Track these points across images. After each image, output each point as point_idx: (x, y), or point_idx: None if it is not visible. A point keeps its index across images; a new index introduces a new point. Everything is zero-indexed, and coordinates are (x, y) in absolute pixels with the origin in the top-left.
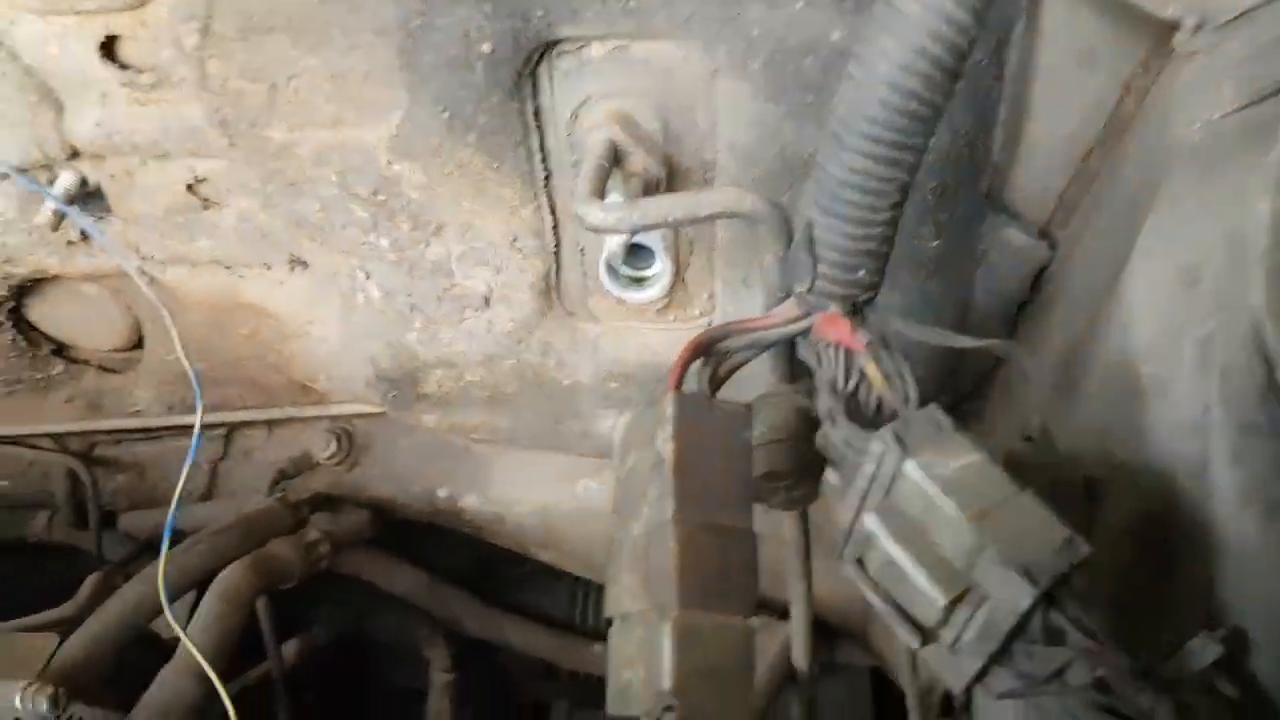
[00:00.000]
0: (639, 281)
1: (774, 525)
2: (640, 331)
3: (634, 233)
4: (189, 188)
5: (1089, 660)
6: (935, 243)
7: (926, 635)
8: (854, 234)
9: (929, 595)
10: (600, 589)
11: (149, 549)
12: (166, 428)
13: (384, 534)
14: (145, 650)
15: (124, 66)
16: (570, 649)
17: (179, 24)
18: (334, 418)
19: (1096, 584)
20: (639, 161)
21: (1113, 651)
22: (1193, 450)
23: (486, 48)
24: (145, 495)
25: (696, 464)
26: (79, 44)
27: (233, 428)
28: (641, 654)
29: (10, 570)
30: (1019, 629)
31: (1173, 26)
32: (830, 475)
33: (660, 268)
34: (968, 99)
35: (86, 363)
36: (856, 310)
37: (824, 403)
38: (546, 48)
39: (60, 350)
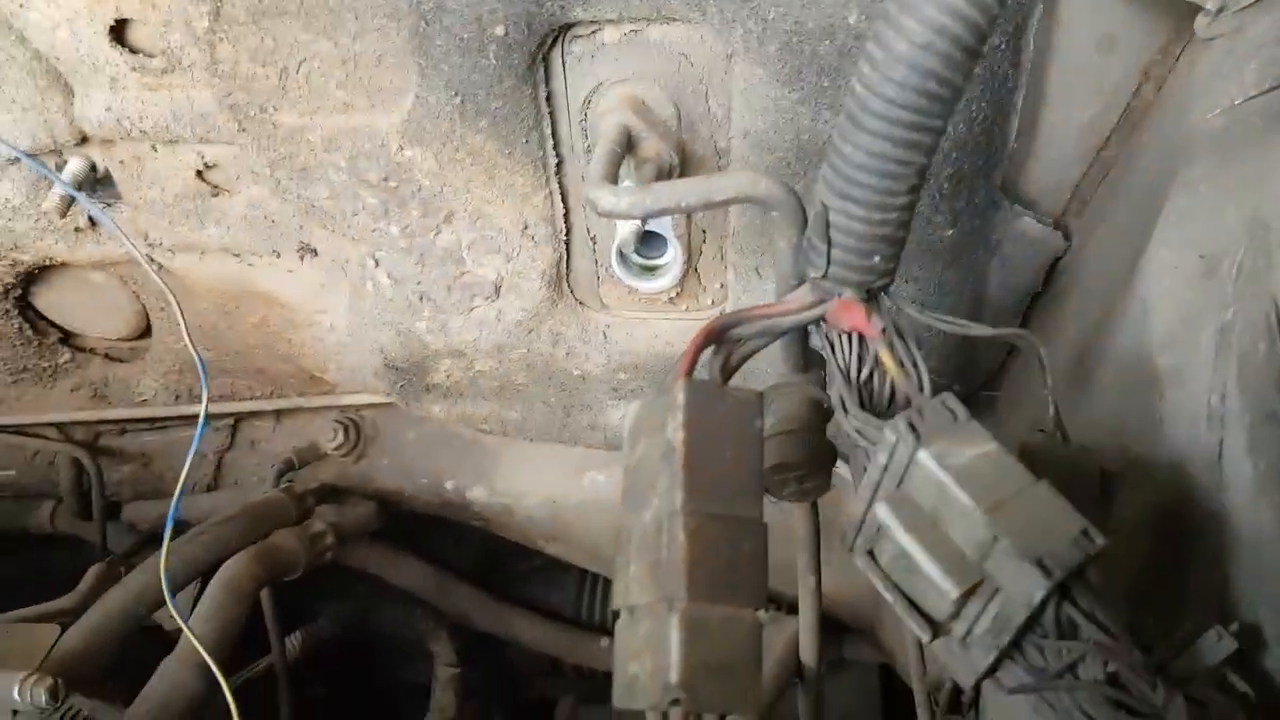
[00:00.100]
0: (651, 270)
1: (783, 518)
2: (651, 321)
3: (646, 218)
4: (198, 174)
5: (1102, 654)
6: (950, 231)
7: (937, 628)
8: (870, 218)
9: (941, 587)
10: (607, 584)
11: (153, 540)
12: (173, 417)
13: (390, 527)
14: (147, 642)
15: (134, 50)
16: (577, 643)
17: (189, 7)
18: (342, 408)
19: (1110, 578)
20: (652, 147)
21: (1126, 646)
22: (1209, 440)
23: (500, 31)
24: (150, 486)
25: (707, 453)
26: (89, 28)
27: (239, 418)
28: (648, 646)
29: (13, 560)
30: (1031, 622)
31: (1194, 11)
32: (842, 467)
33: (672, 256)
34: (985, 85)
35: (93, 351)
36: (871, 297)
37: (837, 390)
38: (560, 31)
39: (67, 339)
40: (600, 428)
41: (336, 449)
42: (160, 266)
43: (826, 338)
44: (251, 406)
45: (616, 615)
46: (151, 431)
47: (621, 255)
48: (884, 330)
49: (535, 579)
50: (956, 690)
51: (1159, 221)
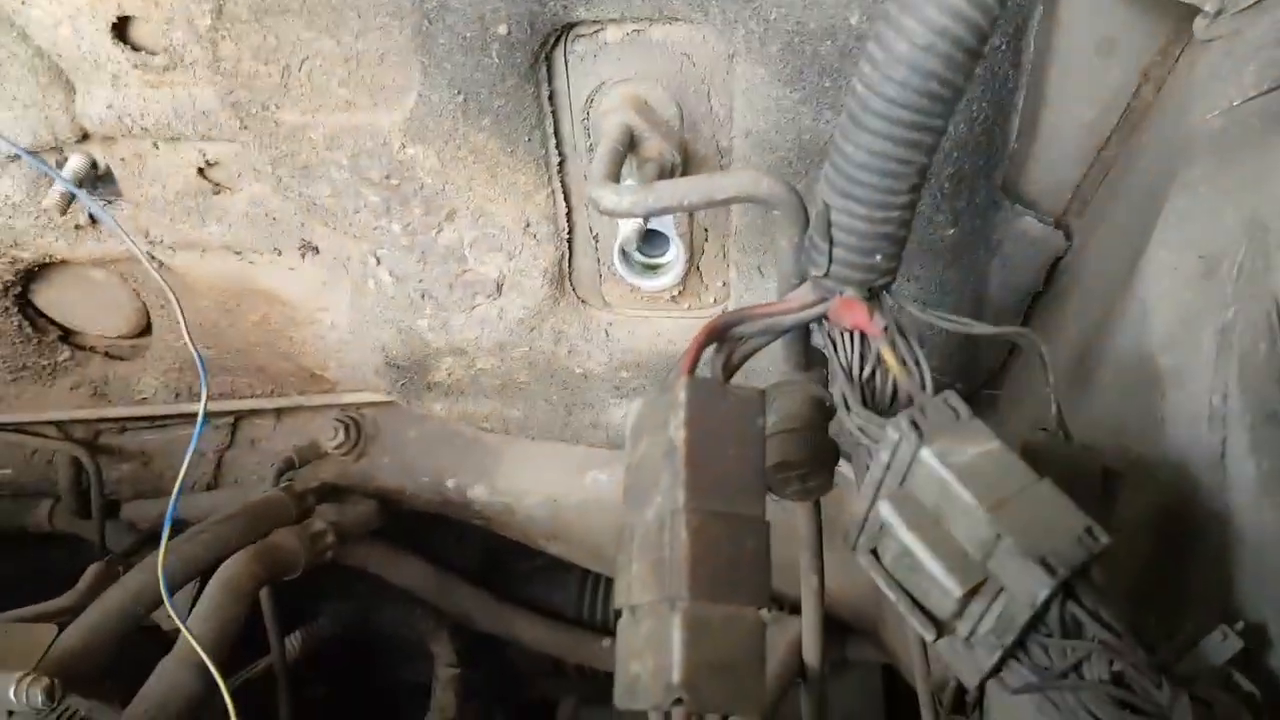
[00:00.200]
0: (653, 269)
1: (785, 517)
2: (654, 319)
3: (648, 217)
4: (200, 171)
5: (1107, 654)
6: (951, 231)
7: (941, 628)
8: (871, 217)
9: (944, 586)
10: (609, 584)
11: (152, 539)
12: (173, 416)
13: (391, 526)
14: (146, 641)
15: (136, 48)
16: (578, 644)
17: (192, 5)
18: (342, 406)
19: (1113, 578)
20: (654, 147)
21: (1131, 645)
22: (1211, 440)
23: (502, 30)
24: (150, 484)
25: (709, 451)
26: (91, 25)
27: (239, 416)
28: (650, 646)
29: (11, 559)
30: (1036, 621)
31: (1193, 13)
32: (844, 466)
33: (674, 255)
34: (985, 86)
35: (93, 349)
36: (873, 295)
37: (839, 389)
38: (563, 30)
39: (66, 336)
40: (602, 426)
41: (337, 447)
42: (161, 264)
43: (828, 336)
44: (252, 405)
45: (618, 615)
46: (151, 430)
47: (624, 253)
48: (886, 328)
49: (537, 579)
50: (960, 690)
51: (1158, 222)
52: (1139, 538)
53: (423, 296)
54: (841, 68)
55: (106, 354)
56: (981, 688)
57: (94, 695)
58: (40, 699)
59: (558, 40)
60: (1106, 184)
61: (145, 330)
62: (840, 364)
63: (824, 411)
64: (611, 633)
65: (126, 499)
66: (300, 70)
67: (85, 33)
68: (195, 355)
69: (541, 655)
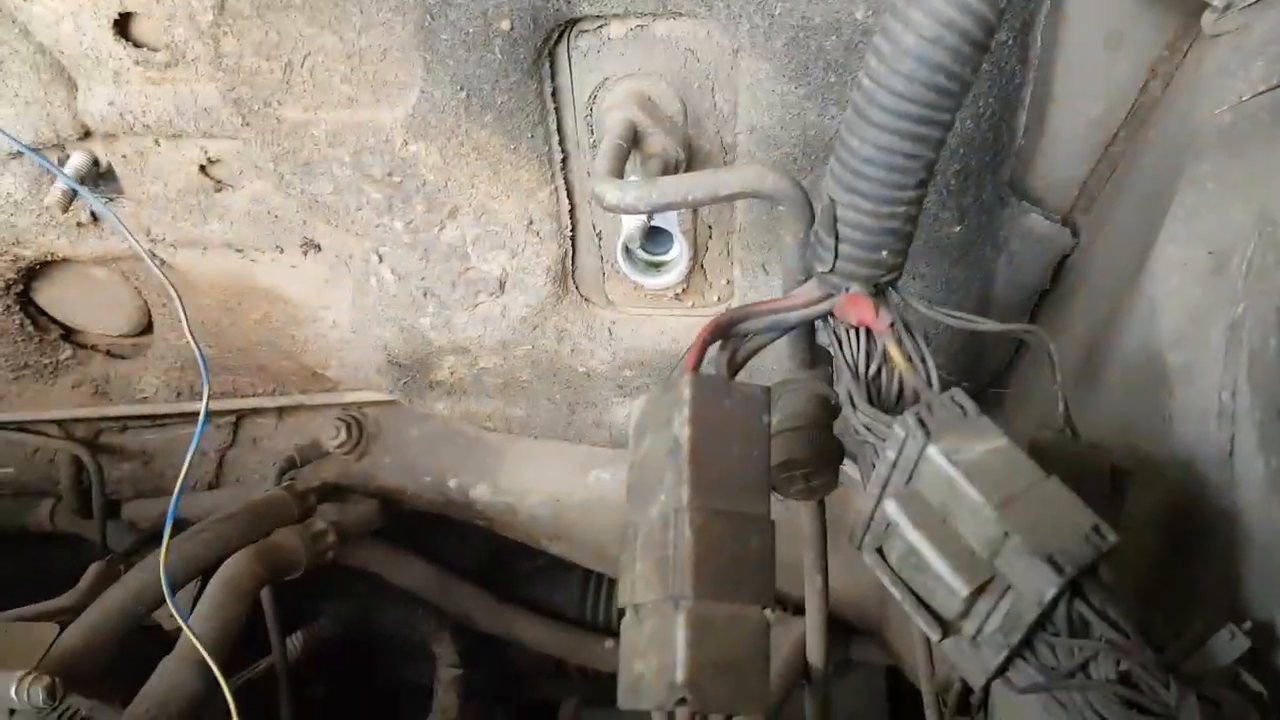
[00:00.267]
0: (656, 266)
1: (789, 517)
2: (657, 318)
3: (652, 213)
4: (201, 169)
5: (1114, 653)
6: (957, 228)
7: (947, 627)
8: (878, 212)
9: (950, 585)
10: (612, 584)
11: (153, 538)
12: (174, 415)
13: (393, 525)
14: (147, 641)
15: (137, 45)
16: (581, 644)
17: (194, 1)
18: (344, 405)
19: (1121, 576)
20: (658, 143)
21: (1138, 644)
22: (1220, 437)
23: (505, 25)
24: (151, 484)
25: (713, 449)
26: (92, 21)
27: (241, 415)
28: (654, 645)
29: (12, 559)
30: (1043, 620)
31: (1201, 7)
32: (849, 465)
33: (678, 252)
34: (992, 81)
35: (94, 348)
36: (879, 292)
37: (844, 386)
38: (566, 26)
39: (68, 335)
40: (605, 425)
41: (339, 447)
42: (162, 262)
43: (834, 333)
44: (253, 404)
45: (621, 615)
46: (152, 429)
47: (627, 251)
48: (892, 324)
49: (539, 579)
50: (965, 691)
51: (1167, 218)
52: (1147, 536)
53: (425, 294)
54: (847, 63)
55: (108, 352)
56: (987, 688)
57: (95, 694)
58: (41, 698)
59: (561, 36)
60: (1114, 180)
61: (147, 329)
62: (846, 361)
63: (829, 410)
64: (614, 633)
65: (128, 498)
66: (302, 66)
67: (87, 29)
68: (197, 353)
69: (543, 656)
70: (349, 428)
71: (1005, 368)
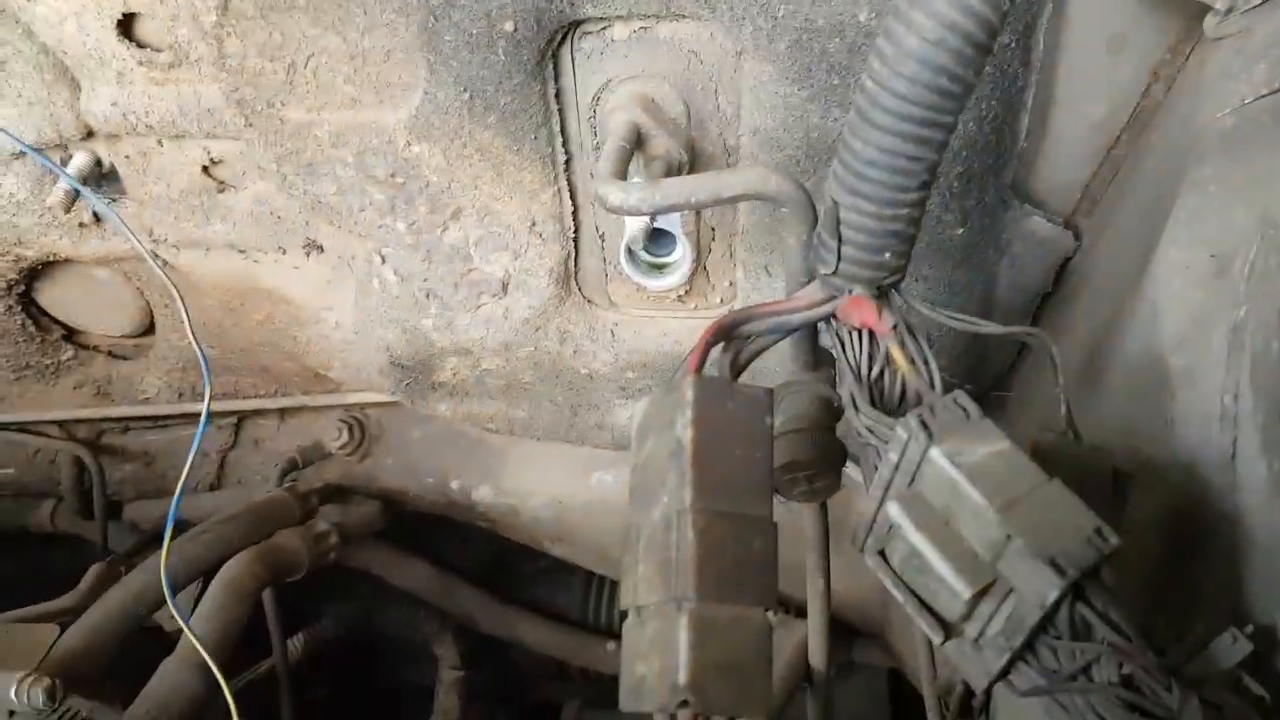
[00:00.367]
0: (659, 268)
1: (792, 519)
2: (660, 319)
3: (655, 215)
4: (204, 169)
5: (1116, 656)
6: (960, 230)
7: (949, 629)
8: (881, 214)
9: (953, 587)
10: (614, 586)
11: (155, 539)
12: (176, 416)
13: (395, 527)
14: (148, 642)
15: (141, 45)
16: (583, 646)
17: (197, 1)
18: (346, 406)
19: (1123, 579)
20: (661, 145)
21: (1141, 647)
22: (1222, 441)
23: (509, 27)
24: (153, 485)
25: (716, 450)
26: (96, 22)
27: (243, 416)
28: (656, 647)
29: (13, 559)
30: (1045, 623)
31: (1203, 10)
32: (851, 468)
33: (681, 254)
34: (995, 84)
35: (96, 348)
36: (882, 294)
37: (847, 388)
38: (570, 28)
39: (70, 335)
40: (608, 427)
41: (341, 448)
42: (165, 263)
43: (837, 335)
44: (255, 405)
45: (623, 616)
46: (154, 430)
47: (630, 253)
48: (895, 327)
49: (541, 581)
50: (967, 694)
51: (1169, 221)
52: (1149, 539)
53: (427, 296)
54: (850, 65)
55: (110, 353)
56: (989, 691)
57: (96, 696)
58: (42, 699)
59: (564, 37)
60: (1116, 183)
61: (149, 329)
62: (849, 363)
63: (832, 412)
64: (616, 635)
65: (129, 499)
66: (306, 67)
67: (90, 29)
68: (199, 354)
69: (545, 658)
70: (351, 429)
71: (1007, 370)
